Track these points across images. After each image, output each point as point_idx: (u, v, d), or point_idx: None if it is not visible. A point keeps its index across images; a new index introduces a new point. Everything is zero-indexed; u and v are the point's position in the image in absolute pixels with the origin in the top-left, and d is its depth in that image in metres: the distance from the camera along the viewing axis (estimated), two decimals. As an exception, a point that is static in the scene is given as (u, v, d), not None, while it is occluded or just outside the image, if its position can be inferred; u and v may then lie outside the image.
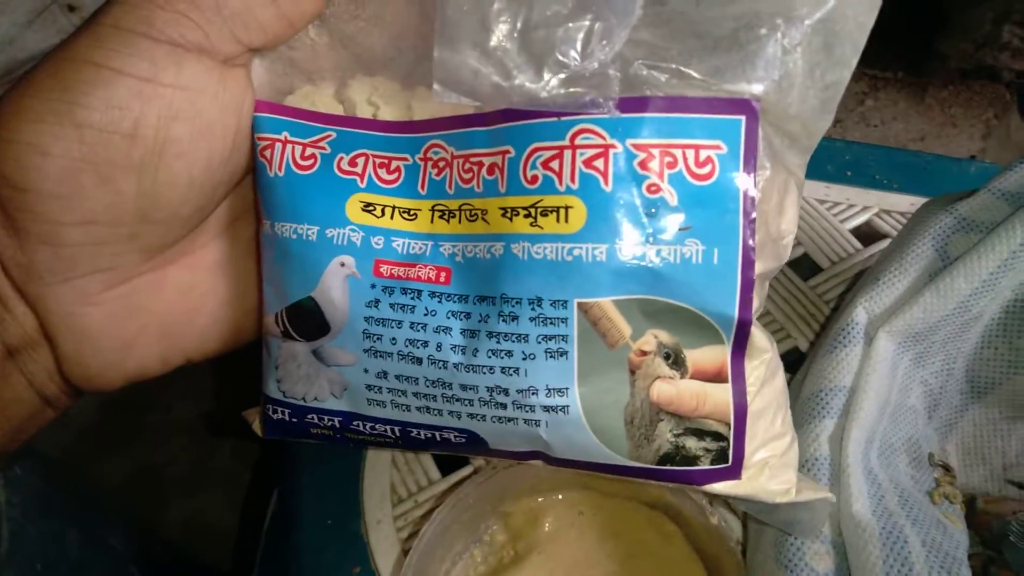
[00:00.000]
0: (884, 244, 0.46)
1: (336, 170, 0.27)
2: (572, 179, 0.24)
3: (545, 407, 0.25)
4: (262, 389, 0.30)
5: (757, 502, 0.28)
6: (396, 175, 0.27)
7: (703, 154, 0.24)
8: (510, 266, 0.25)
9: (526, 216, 0.24)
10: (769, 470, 0.27)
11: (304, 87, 0.28)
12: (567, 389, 0.25)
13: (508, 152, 0.25)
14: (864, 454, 0.32)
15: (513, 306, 0.25)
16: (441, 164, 0.26)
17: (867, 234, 0.47)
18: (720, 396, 0.26)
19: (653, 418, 0.26)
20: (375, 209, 0.26)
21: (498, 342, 0.25)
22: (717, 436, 0.26)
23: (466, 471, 0.40)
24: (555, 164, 0.24)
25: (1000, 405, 0.36)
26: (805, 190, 0.50)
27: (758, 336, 0.27)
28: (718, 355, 0.26)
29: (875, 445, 0.33)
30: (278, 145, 0.27)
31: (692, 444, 0.26)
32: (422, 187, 0.26)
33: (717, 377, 0.26)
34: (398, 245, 0.26)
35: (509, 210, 0.24)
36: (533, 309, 0.25)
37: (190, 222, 0.27)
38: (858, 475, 0.31)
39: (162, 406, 0.78)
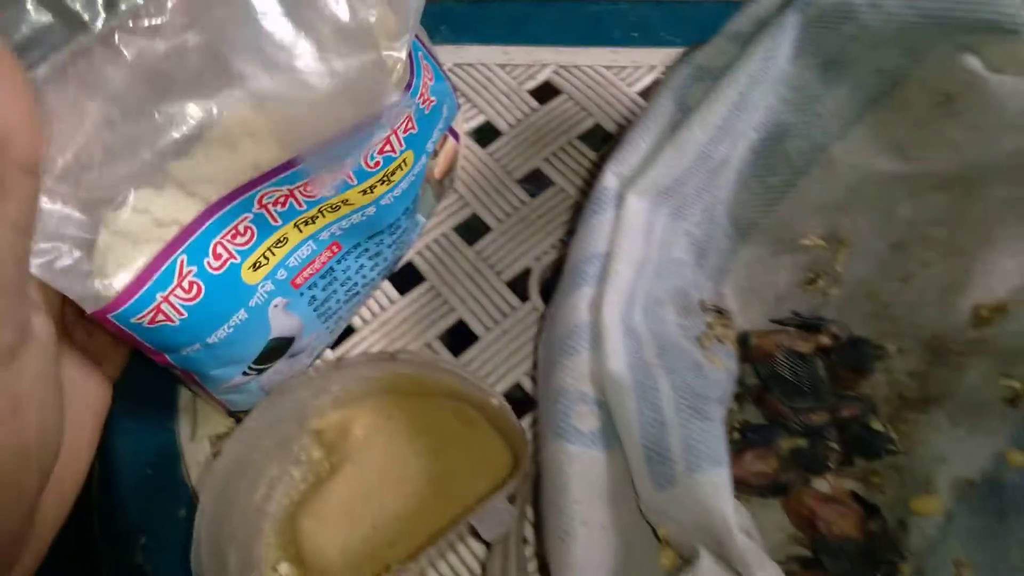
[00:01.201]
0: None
1: (212, 272, 0.29)
2: (400, 143, 0.33)
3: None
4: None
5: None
6: (248, 232, 0.30)
7: None
8: (382, 212, 0.34)
9: (381, 182, 0.33)
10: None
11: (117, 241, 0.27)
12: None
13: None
14: (624, 314, 0.33)
15: (385, 230, 0.37)
16: (281, 198, 0.30)
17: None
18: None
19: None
20: (259, 262, 0.31)
21: (379, 252, 0.38)
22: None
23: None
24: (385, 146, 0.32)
25: (764, 243, 0.38)
26: (589, 58, 0.50)
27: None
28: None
29: (637, 303, 0.34)
30: (164, 305, 0.28)
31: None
32: (275, 220, 0.31)
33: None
34: (293, 262, 0.33)
35: (368, 188, 0.32)
36: (392, 227, 0.37)
37: None
38: (615, 335, 0.32)
39: None
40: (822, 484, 0.35)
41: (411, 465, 0.37)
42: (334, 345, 0.41)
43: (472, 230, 0.45)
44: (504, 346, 0.41)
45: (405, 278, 0.44)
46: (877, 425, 0.35)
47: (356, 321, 0.42)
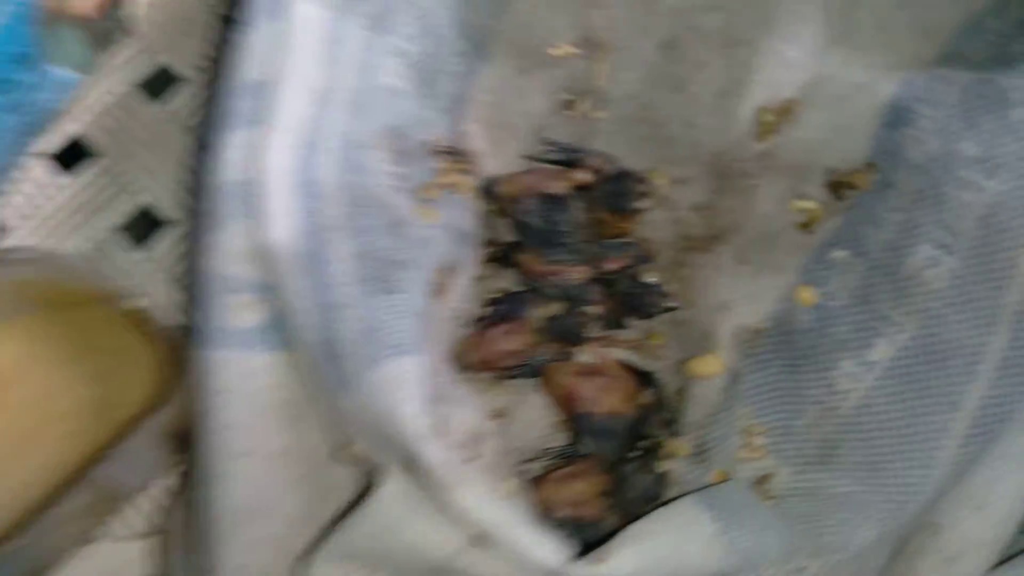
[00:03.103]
0: None
1: None
2: None
3: None
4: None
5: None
6: None
7: None
8: None
9: None
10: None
11: None
12: None
13: None
14: (299, 164, 0.25)
15: None
16: None
17: None
18: None
19: None
20: None
21: None
22: None
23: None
24: None
25: (507, 58, 0.29)
26: None
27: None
28: None
29: (322, 148, 0.25)
30: None
31: None
32: None
33: None
34: None
35: None
36: None
37: None
38: (282, 193, 0.24)
39: None
40: (589, 356, 0.28)
41: (70, 399, 0.29)
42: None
43: (161, 86, 0.34)
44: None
45: (70, 156, 0.33)
46: (650, 277, 0.28)
47: (11, 217, 0.32)
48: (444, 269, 0.26)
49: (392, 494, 0.20)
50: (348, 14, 0.26)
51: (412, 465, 0.20)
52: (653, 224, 0.29)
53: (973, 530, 0.22)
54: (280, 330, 0.24)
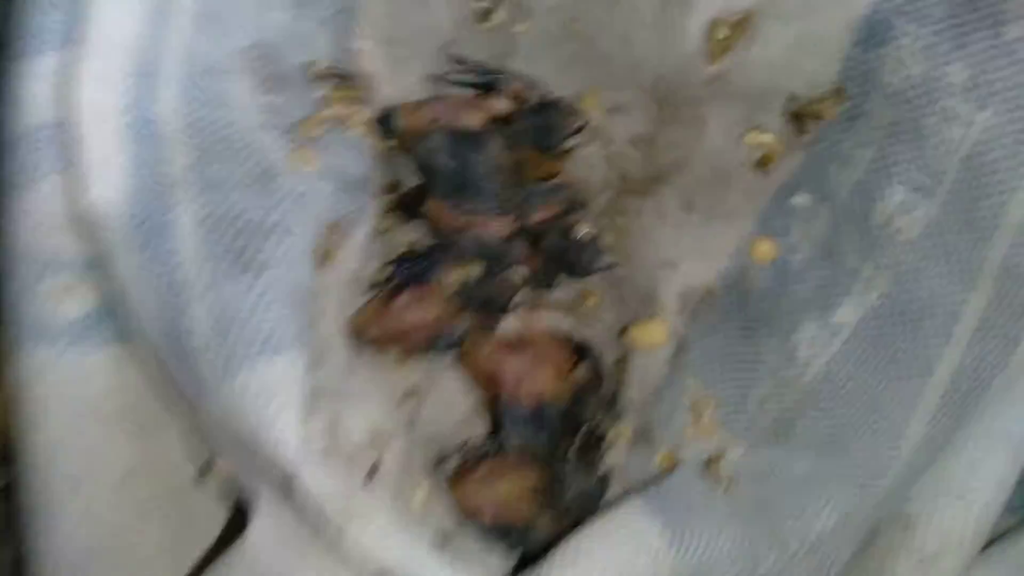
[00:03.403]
0: None
1: None
2: None
3: None
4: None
5: None
6: None
7: None
8: None
9: None
10: None
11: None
12: None
13: None
14: (129, 98, 0.19)
15: None
16: None
17: None
18: None
19: None
20: None
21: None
22: None
23: None
24: None
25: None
26: None
27: None
28: None
29: (163, 76, 0.20)
30: None
31: None
32: None
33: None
34: None
35: None
36: None
37: None
38: (106, 140, 0.18)
39: None
40: (514, 325, 0.24)
41: None
42: None
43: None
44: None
45: None
46: (583, 228, 0.23)
47: None
48: (331, 227, 0.21)
49: (264, 531, 0.16)
50: None
51: (290, 492, 0.16)
52: (585, 162, 0.25)
53: (952, 524, 0.19)
54: (114, 319, 0.18)
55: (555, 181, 0.24)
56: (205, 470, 0.19)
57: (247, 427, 0.16)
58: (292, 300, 0.17)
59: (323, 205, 0.20)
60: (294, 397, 0.16)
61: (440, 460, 0.21)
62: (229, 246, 0.17)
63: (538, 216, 0.24)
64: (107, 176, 0.18)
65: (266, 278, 0.17)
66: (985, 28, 0.20)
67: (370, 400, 0.20)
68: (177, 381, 0.17)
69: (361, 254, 0.24)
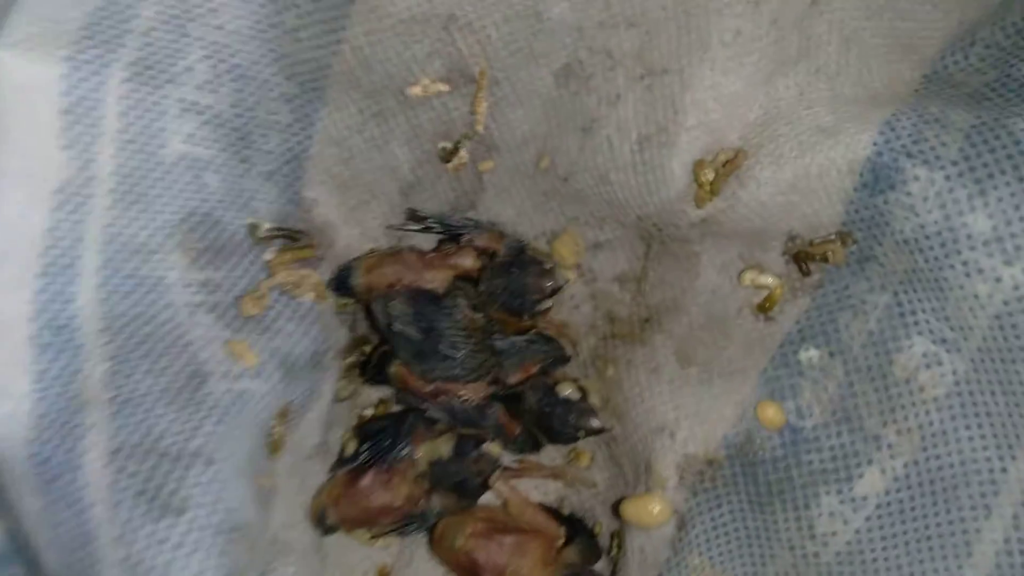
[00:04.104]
0: None
1: None
2: None
3: None
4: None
5: None
6: None
7: None
8: None
9: None
10: None
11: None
12: None
13: None
14: (44, 301, 0.16)
15: None
16: None
17: None
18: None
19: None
20: None
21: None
22: None
23: None
24: None
25: (352, 101, 0.21)
26: None
27: None
28: None
29: (80, 268, 0.17)
30: None
31: None
32: None
33: None
34: None
35: None
36: None
37: None
38: (11, 359, 0.16)
39: None
40: (494, 496, 0.21)
41: None
42: None
43: None
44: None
45: None
46: (567, 388, 0.21)
47: None
48: (279, 415, 0.19)
49: None
50: (93, 65, 0.18)
51: None
52: (568, 303, 0.23)
53: None
54: (21, 562, 0.16)
55: (531, 335, 0.22)
56: None
57: None
58: (217, 544, 0.15)
59: (261, 407, 0.17)
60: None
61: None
62: (144, 484, 0.15)
63: (515, 378, 0.21)
64: (4, 406, 0.15)
65: (186, 521, 0.15)
66: (1006, 171, 0.17)
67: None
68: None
69: (321, 427, 0.22)
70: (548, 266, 0.21)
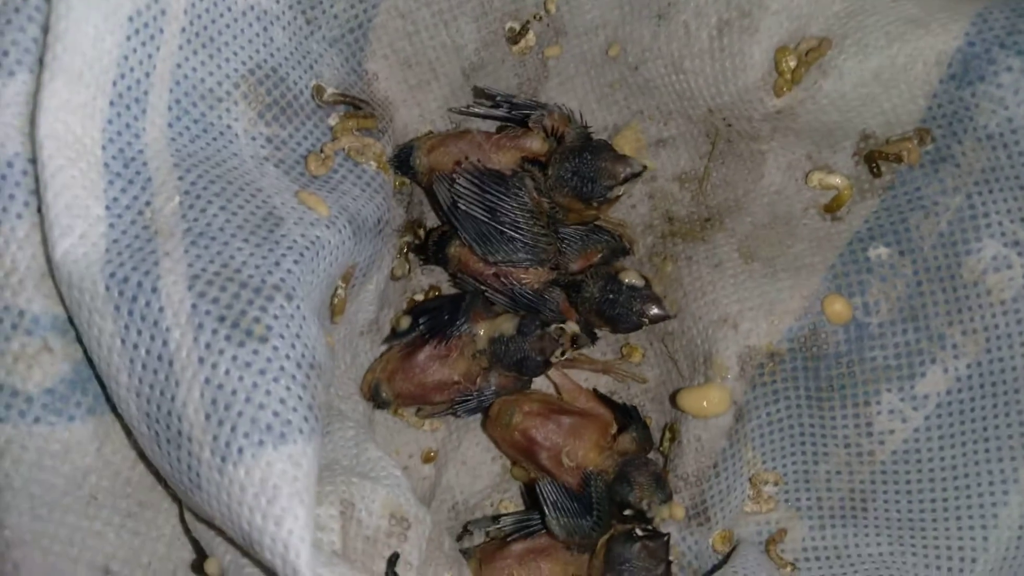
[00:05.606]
0: None
1: None
2: None
3: None
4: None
5: None
6: None
7: None
8: None
9: None
10: None
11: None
12: None
13: None
14: (115, 131, 0.16)
15: None
16: None
17: None
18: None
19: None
20: None
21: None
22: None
23: None
24: None
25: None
26: None
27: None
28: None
29: (146, 104, 0.17)
30: None
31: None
32: None
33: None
34: None
35: None
36: None
37: None
38: (77, 182, 0.15)
39: None
40: (550, 382, 0.21)
41: None
42: None
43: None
44: None
45: None
46: (631, 278, 0.21)
47: None
48: (343, 277, 0.18)
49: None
50: None
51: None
52: (634, 200, 0.22)
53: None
54: (89, 390, 0.15)
55: (593, 224, 0.21)
56: (195, 568, 0.16)
57: (248, 526, 0.13)
58: (298, 377, 0.14)
59: (333, 258, 0.17)
60: (302, 492, 0.13)
61: (464, 533, 0.18)
62: (226, 311, 0.14)
63: (576, 265, 0.21)
64: (79, 226, 0.15)
65: (268, 350, 0.14)
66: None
67: (387, 476, 0.18)
68: (162, 469, 0.14)
69: (377, 302, 0.21)
70: (622, 155, 0.20)
